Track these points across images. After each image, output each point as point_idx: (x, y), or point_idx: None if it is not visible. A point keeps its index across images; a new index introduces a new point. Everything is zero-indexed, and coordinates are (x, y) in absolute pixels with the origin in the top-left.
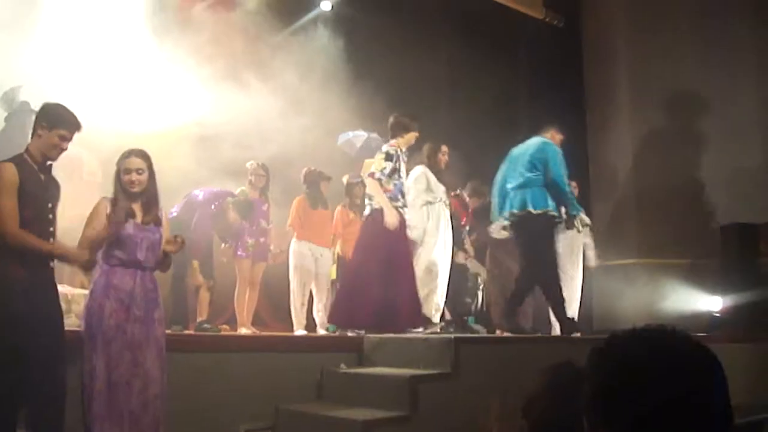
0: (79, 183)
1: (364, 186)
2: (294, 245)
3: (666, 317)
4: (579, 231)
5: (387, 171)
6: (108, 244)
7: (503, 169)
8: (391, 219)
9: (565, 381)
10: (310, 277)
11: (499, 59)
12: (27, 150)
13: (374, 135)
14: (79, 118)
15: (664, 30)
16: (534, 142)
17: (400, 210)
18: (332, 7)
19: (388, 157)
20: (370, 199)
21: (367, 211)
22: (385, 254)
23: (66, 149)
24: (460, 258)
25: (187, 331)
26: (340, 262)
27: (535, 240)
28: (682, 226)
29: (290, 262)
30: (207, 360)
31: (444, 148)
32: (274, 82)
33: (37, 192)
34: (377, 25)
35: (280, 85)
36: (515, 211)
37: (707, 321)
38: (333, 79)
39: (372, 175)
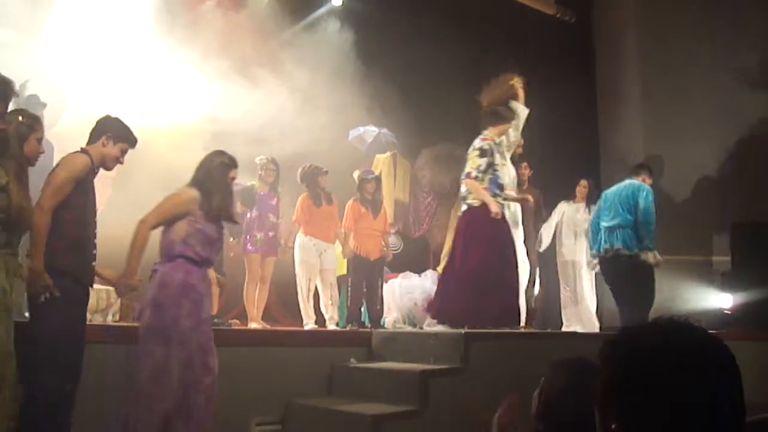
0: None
1: (377, 181)
2: (299, 240)
3: (677, 314)
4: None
5: (482, 168)
6: (192, 242)
7: (597, 208)
8: (496, 209)
9: (579, 376)
10: (315, 272)
11: (512, 54)
12: (88, 152)
13: (384, 130)
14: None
15: (675, 25)
16: (626, 184)
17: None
18: (343, 2)
19: (482, 153)
20: (465, 199)
21: (464, 208)
22: (497, 250)
23: (122, 164)
24: None
25: None
26: (354, 257)
27: (624, 280)
28: (693, 222)
29: (295, 257)
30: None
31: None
32: (284, 77)
33: (88, 193)
34: (388, 20)
35: (291, 81)
36: (606, 249)
37: (718, 318)
38: (344, 75)
39: (468, 175)
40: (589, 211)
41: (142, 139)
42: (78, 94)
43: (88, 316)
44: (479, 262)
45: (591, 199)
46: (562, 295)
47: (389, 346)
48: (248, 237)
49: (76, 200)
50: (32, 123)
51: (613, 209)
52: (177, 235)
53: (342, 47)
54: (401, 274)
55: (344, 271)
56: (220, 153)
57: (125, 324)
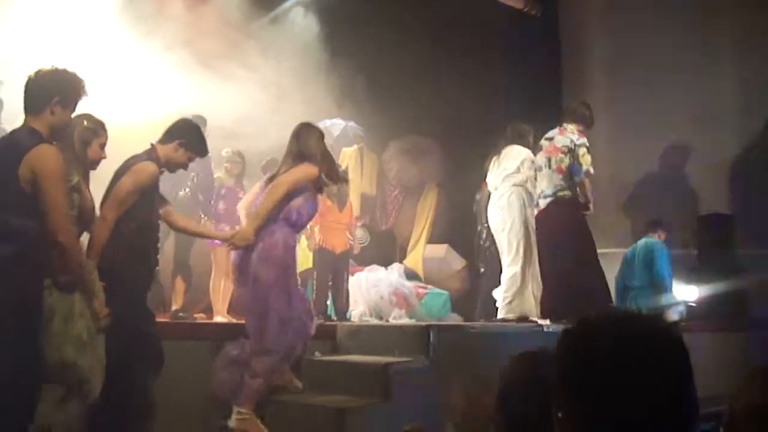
0: None
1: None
2: None
3: (641, 306)
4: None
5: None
6: (303, 211)
7: (620, 269)
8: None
9: (539, 367)
10: None
11: (478, 48)
12: (156, 153)
13: (352, 123)
14: None
15: (640, 19)
16: (642, 243)
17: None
18: None
19: (588, 148)
20: (546, 195)
21: (545, 204)
22: (582, 244)
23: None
24: None
25: (161, 319)
26: (320, 250)
27: None
28: (658, 215)
29: None
30: (181, 348)
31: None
32: (252, 70)
33: (153, 202)
34: (356, 12)
35: (259, 74)
36: None
37: (684, 310)
38: (312, 67)
39: (588, 173)
40: None
41: (110, 132)
42: None
43: None
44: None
45: None
46: None
47: (354, 339)
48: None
49: (140, 210)
50: (96, 128)
51: (633, 271)
52: (295, 204)
53: (310, 39)
54: (367, 268)
55: (310, 265)
56: (308, 125)
57: None
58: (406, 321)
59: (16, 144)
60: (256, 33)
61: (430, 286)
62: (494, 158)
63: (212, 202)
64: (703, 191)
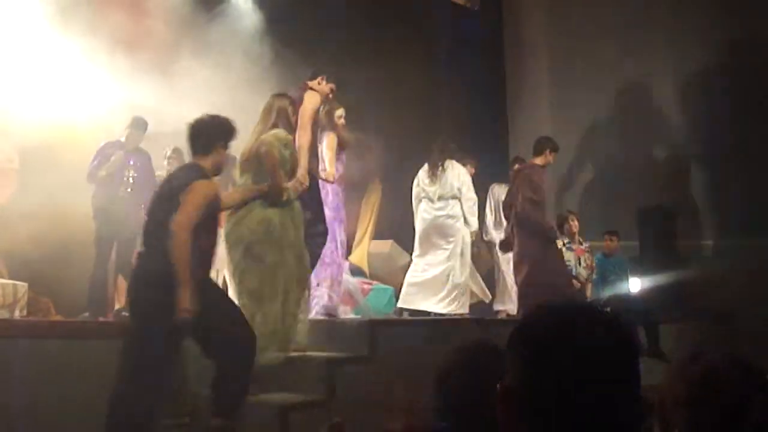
0: None
1: None
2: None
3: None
4: None
5: None
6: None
7: None
8: None
9: (478, 358)
10: (222, 264)
11: (420, 40)
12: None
13: None
14: None
15: (583, 12)
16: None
17: None
18: None
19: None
20: None
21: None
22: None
23: None
24: None
25: (102, 318)
26: None
27: None
28: (601, 209)
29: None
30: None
31: None
32: (195, 64)
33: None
34: (295, 10)
35: (203, 71)
36: None
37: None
38: (255, 61)
39: None
40: None
41: (50, 135)
42: None
43: None
44: None
45: None
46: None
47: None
48: None
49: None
50: None
51: None
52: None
53: (251, 32)
54: None
55: None
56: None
57: (33, 318)
58: (349, 316)
59: (185, 174)
60: (197, 30)
61: (375, 282)
62: (434, 169)
63: None
64: (643, 183)
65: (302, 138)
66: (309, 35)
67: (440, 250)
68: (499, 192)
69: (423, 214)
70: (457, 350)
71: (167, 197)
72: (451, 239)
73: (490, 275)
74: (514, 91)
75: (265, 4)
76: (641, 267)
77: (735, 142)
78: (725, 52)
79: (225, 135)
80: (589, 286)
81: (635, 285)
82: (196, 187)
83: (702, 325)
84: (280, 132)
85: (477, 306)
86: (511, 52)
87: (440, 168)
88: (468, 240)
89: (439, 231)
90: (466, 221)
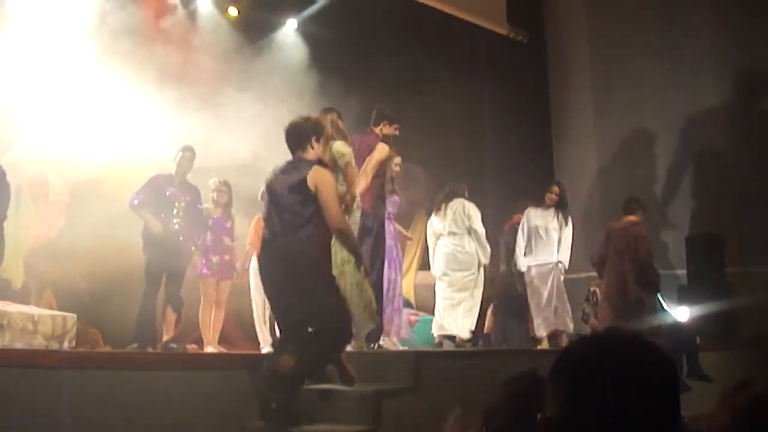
0: (46, 203)
1: None
2: (253, 263)
3: (633, 328)
4: None
5: None
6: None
7: None
8: None
9: (526, 391)
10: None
11: (464, 74)
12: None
13: None
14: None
15: (627, 40)
16: None
17: None
18: (297, 26)
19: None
20: None
21: None
22: None
23: None
24: None
25: (151, 350)
26: None
27: None
28: (651, 237)
29: (251, 281)
30: (172, 378)
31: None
32: (241, 97)
33: None
34: (344, 37)
35: (248, 103)
36: None
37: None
38: (300, 91)
39: None
40: (560, 216)
41: (99, 169)
42: (30, 120)
43: (44, 342)
44: None
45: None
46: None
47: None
48: (203, 260)
49: None
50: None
51: None
52: None
53: (297, 69)
54: None
55: None
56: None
57: (82, 350)
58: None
59: (298, 168)
60: (243, 63)
61: (422, 313)
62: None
63: (201, 233)
64: (690, 211)
65: (361, 182)
66: (354, 67)
67: (461, 281)
68: (534, 216)
69: (442, 248)
70: (505, 383)
71: (297, 189)
72: (468, 271)
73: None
74: (560, 120)
75: (309, 36)
76: (690, 295)
77: None
78: None
79: (316, 130)
80: None
81: (684, 313)
82: (320, 175)
83: (751, 352)
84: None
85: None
86: (556, 82)
87: (444, 206)
88: (482, 270)
89: (459, 263)
90: (479, 253)
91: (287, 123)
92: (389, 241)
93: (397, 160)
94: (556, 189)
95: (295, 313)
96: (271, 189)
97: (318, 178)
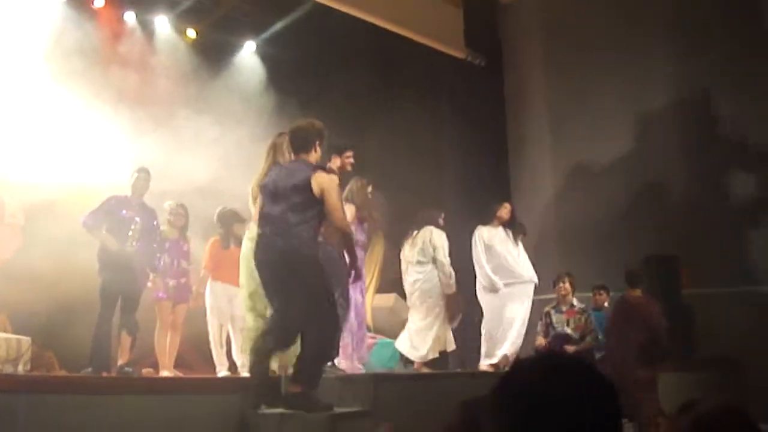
0: (0, 225)
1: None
2: (209, 286)
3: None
4: None
5: None
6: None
7: None
8: None
9: (480, 415)
10: (226, 318)
11: (421, 97)
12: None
13: None
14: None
15: (583, 67)
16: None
17: None
18: (256, 48)
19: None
20: None
21: None
22: None
23: None
24: None
25: (106, 374)
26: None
27: None
28: (604, 258)
29: (207, 304)
30: (126, 403)
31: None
32: (200, 121)
33: None
34: (301, 59)
35: (205, 125)
36: None
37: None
38: (258, 111)
39: None
40: (510, 235)
41: (55, 191)
42: None
43: None
44: None
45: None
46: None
47: None
48: (160, 284)
49: None
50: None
51: None
52: None
53: (253, 91)
54: None
55: None
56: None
57: (36, 374)
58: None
59: (301, 170)
60: (201, 86)
61: (379, 336)
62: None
63: (158, 256)
64: (647, 232)
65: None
66: (311, 89)
67: (425, 309)
68: (489, 235)
69: (409, 277)
70: (461, 405)
71: (300, 189)
72: (431, 299)
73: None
74: (516, 144)
75: (267, 58)
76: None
77: (739, 190)
78: (730, 98)
79: (320, 136)
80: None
81: None
82: (325, 180)
83: (707, 373)
84: None
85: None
86: (513, 107)
87: (415, 234)
88: (441, 300)
89: (422, 291)
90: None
91: (294, 124)
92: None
93: (370, 188)
94: (508, 206)
95: (289, 313)
96: (273, 187)
97: (324, 183)
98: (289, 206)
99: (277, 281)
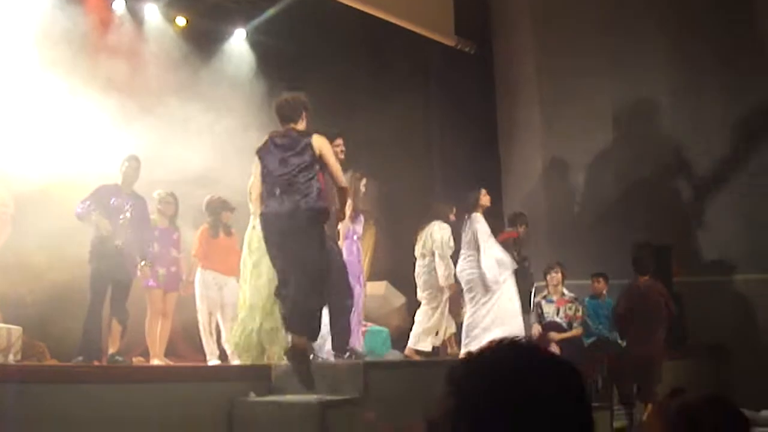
0: None
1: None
2: (199, 275)
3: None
4: None
5: None
6: None
7: None
8: None
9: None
10: (216, 307)
11: (412, 84)
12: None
13: None
14: None
15: (573, 53)
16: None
17: None
18: (246, 35)
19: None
20: None
21: None
22: None
23: None
24: None
25: (96, 363)
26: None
27: None
28: (595, 246)
29: (196, 292)
30: (117, 392)
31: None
32: (191, 109)
33: None
34: (293, 48)
35: (196, 112)
36: None
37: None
38: (246, 104)
39: None
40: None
41: (46, 179)
42: None
43: None
44: None
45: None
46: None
47: (289, 378)
48: (150, 272)
49: None
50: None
51: None
52: None
53: (244, 78)
54: None
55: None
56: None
57: (27, 363)
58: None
59: (299, 136)
60: (191, 74)
61: (370, 324)
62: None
63: (148, 244)
64: (637, 221)
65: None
66: (301, 76)
67: (427, 301)
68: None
69: (417, 269)
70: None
71: (301, 154)
72: (429, 291)
73: None
74: (507, 131)
75: (257, 46)
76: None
77: (732, 179)
78: (724, 89)
79: (305, 106)
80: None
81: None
82: (323, 141)
83: (697, 360)
84: None
85: None
86: (503, 94)
87: (423, 228)
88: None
89: (424, 283)
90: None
91: (280, 98)
92: (349, 256)
93: (364, 181)
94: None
95: (287, 271)
96: (271, 152)
97: (321, 143)
98: (295, 167)
99: (286, 246)
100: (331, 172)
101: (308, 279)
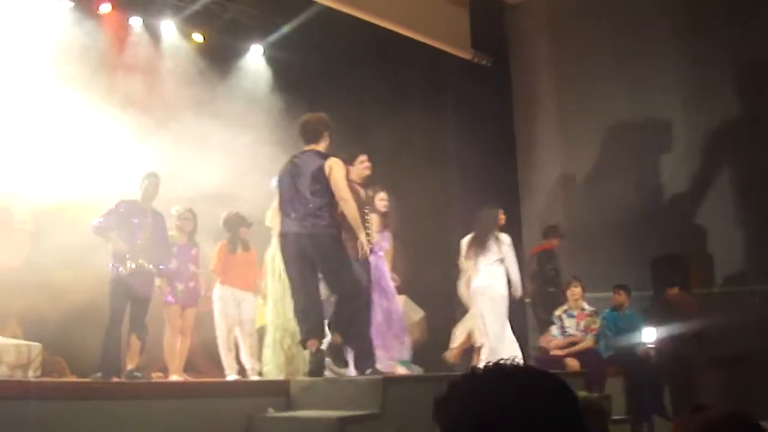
0: (9, 232)
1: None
2: (217, 290)
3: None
4: None
5: None
6: None
7: None
8: None
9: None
10: (234, 322)
11: (429, 98)
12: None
13: None
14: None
15: (590, 64)
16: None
17: None
18: (263, 51)
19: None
20: None
21: None
22: None
23: None
24: None
25: (115, 379)
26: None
27: None
28: (613, 259)
29: (215, 308)
30: (136, 408)
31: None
32: (208, 125)
33: None
34: (304, 68)
35: (214, 129)
36: None
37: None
38: (264, 120)
39: None
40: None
41: (64, 196)
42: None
43: (8, 371)
44: None
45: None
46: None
47: (307, 394)
48: (169, 288)
49: None
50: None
51: None
52: None
53: (261, 94)
54: None
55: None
56: None
57: (46, 379)
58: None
59: (316, 158)
60: (209, 90)
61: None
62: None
63: (167, 260)
64: (656, 233)
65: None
66: (319, 92)
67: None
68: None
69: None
70: None
71: (314, 177)
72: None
73: None
74: (524, 142)
75: (274, 62)
76: (656, 316)
77: (751, 189)
78: (740, 101)
79: (327, 126)
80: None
81: (650, 335)
82: (333, 162)
83: (715, 372)
84: None
85: None
86: (521, 107)
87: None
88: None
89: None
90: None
91: (302, 118)
92: (376, 273)
93: (382, 195)
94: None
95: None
96: (292, 173)
97: (332, 163)
98: (311, 193)
99: (306, 268)
100: (333, 184)
101: (340, 294)
